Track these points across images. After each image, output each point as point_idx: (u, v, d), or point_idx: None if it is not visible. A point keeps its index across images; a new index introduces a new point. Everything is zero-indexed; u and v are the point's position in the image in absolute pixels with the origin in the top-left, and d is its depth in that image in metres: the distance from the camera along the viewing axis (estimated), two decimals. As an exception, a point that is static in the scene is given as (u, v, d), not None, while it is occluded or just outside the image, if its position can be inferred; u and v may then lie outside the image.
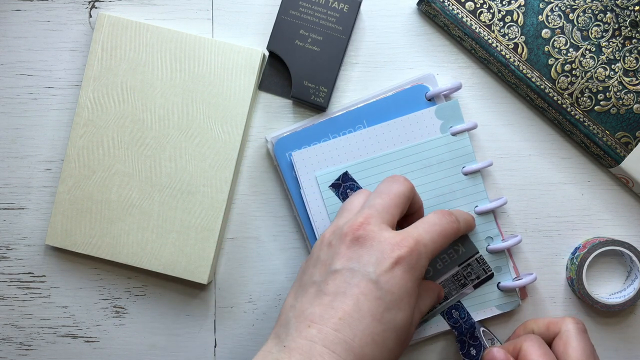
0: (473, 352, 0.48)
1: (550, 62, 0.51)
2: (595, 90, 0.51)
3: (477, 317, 0.51)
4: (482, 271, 0.51)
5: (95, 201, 0.52)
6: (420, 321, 0.51)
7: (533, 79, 0.51)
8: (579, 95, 0.52)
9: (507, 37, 0.51)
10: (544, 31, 0.51)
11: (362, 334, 0.38)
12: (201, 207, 0.52)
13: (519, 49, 0.51)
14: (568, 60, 0.51)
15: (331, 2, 0.52)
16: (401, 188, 0.44)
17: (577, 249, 0.53)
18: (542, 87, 0.52)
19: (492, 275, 0.51)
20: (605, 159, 0.53)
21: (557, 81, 0.52)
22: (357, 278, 0.40)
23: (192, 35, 0.52)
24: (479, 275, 0.51)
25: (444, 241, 0.43)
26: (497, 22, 0.51)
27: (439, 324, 0.51)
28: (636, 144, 0.52)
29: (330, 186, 0.51)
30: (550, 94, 0.52)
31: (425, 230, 0.42)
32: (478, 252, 0.51)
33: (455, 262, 0.50)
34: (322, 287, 0.40)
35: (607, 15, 0.51)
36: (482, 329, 0.50)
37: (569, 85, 0.52)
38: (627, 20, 0.51)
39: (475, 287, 0.51)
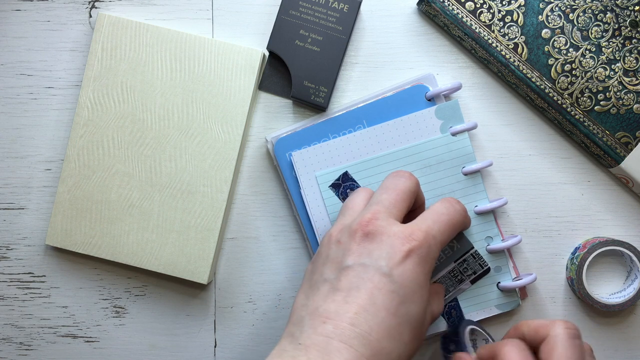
0: (452, 347, 0.48)
1: (550, 62, 0.51)
2: (595, 90, 0.51)
3: (477, 317, 0.51)
4: (479, 266, 0.51)
5: (95, 201, 0.52)
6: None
7: (533, 79, 0.52)
8: (579, 95, 0.52)
9: (507, 37, 0.51)
10: (544, 31, 0.51)
11: (378, 328, 0.38)
12: (201, 207, 0.52)
13: (519, 49, 0.51)
14: (568, 60, 0.51)
15: (331, 2, 0.52)
16: (407, 183, 0.44)
17: (577, 249, 0.53)
18: (542, 87, 0.52)
19: (488, 270, 0.51)
20: (605, 159, 0.53)
21: (557, 81, 0.52)
22: (369, 273, 0.40)
23: (192, 35, 0.52)
24: (475, 270, 0.51)
25: (452, 231, 0.43)
26: (497, 22, 0.51)
27: (439, 324, 0.51)
28: (636, 144, 0.52)
29: (330, 186, 0.51)
30: (550, 94, 0.52)
31: (433, 221, 0.43)
32: (473, 248, 0.50)
33: (451, 259, 0.50)
34: (335, 284, 0.40)
35: (607, 15, 0.51)
36: (471, 327, 0.50)
37: (569, 85, 0.52)
38: (627, 20, 0.51)
39: (473, 282, 0.51)
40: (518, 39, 0.51)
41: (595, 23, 0.51)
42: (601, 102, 0.52)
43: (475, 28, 0.51)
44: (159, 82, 0.52)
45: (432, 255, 0.41)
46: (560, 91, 0.52)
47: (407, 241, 0.40)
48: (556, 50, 0.51)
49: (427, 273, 0.41)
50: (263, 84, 0.54)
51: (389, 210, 0.42)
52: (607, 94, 0.51)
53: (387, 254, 0.40)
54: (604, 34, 0.51)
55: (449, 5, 0.51)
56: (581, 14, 0.51)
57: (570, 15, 0.51)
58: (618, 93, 0.51)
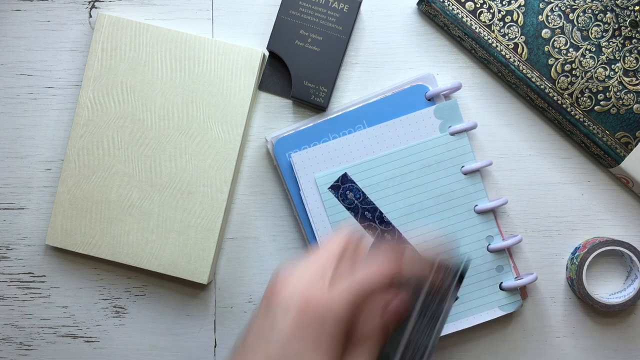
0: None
1: (550, 62, 0.51)
2: (595, 90, 0.51)
3: (480, 319, 0.51)
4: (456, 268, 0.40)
5: (95, 201, 0.52)
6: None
7: (533, 79, 0.51)
8: (579, 95, 0.52)
9: (507, 37, 0.51)
10: (544, 31, 0.51)
11: None
12: (201, 207, 0.52)
13: (519, 49, 0.51)
14: (568, 60, 0.51)
15: (331, 2, 0.52)
16: (333, 244, 0.39)
17: (577, 249, 0.53)
18: (542, 87, 0.52)
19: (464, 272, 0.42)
20: (605, 159, 0.52)
21: (557, 81, 0.52)
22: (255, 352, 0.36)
23: (192, 35, 0.52)
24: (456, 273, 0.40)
25: (368, 287, 0.37)
26: (497, 22, 0.51)
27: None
28: (636, 144, 0.52)
29: (329, 188, 0.51)
30: (550, 94, 0.52)
31: (351, 281, 0.36)
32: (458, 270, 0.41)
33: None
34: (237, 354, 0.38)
35: (607, 15, 0.51)
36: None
37: (569, 85, 0.52)
38: (627, 20, 0.51)
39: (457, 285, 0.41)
40: (518, 39, 0.51)
41: (595, 23, 0.51)
42: (601, 102, 0.52)
43: (475, 28, 0.51)
44: (159, 82, 0.52)
45: (317, 319, 0.36)
46: (560, 91, 0.52)
47: (288, 311, 0.36)
48: (556, 50, 0.51)
49: (316, 342, 0.35)
50: (263, 84, 0.54)
51: (294, 275, 0.38)
52: (607, 94, 0.51)
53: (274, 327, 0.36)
54: (604, 34, 0.51)
55: (449, 5, 0.51)
56: (581, 14, 0.51)
57: (570, 15, 0.51)
58: (618, 93, 0.51)
